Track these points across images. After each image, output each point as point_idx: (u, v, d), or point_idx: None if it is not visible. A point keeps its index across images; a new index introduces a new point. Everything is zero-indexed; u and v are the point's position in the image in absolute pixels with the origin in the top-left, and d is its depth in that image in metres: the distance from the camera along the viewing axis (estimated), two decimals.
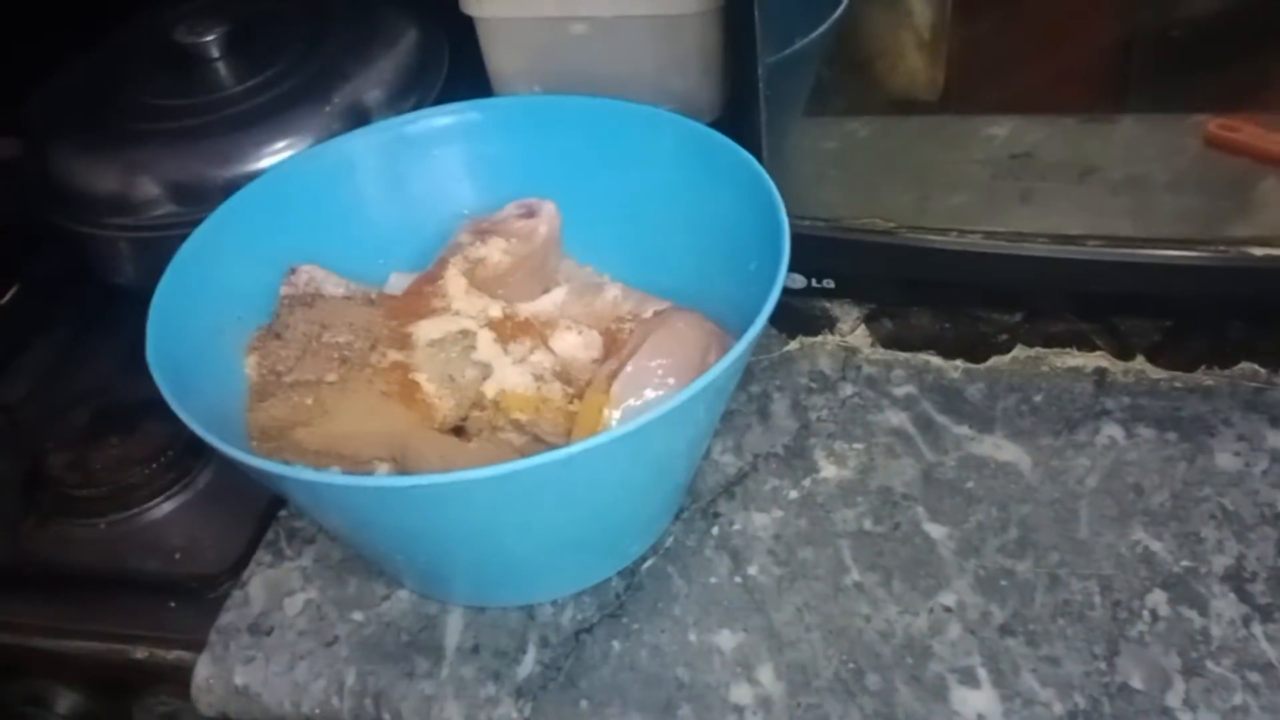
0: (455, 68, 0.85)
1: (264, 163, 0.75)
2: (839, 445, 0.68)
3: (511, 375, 0.62)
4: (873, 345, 0.73)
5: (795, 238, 0.58)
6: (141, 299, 0.59)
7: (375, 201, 0.70)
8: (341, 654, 0.61)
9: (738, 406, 0.70)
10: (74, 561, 0.70)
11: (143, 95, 0.80)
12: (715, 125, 0.66)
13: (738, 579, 0.62)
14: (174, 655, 0.65)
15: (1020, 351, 0.71)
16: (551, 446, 0.60)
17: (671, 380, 0.59)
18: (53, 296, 0.88)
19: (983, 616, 0.59)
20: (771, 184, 0.60)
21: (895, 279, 0.71)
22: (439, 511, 0.54)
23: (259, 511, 0.69)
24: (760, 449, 0.68)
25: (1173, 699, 0.55)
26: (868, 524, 0.64)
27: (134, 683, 0.68)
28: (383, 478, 0.57)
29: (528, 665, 0.60)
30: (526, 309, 0.66)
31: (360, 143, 0.69)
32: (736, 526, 0.65)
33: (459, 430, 0.63)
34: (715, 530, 0.64)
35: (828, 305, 0.74)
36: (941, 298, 0.72)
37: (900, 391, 0.70)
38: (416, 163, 0.70)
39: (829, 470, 0.67)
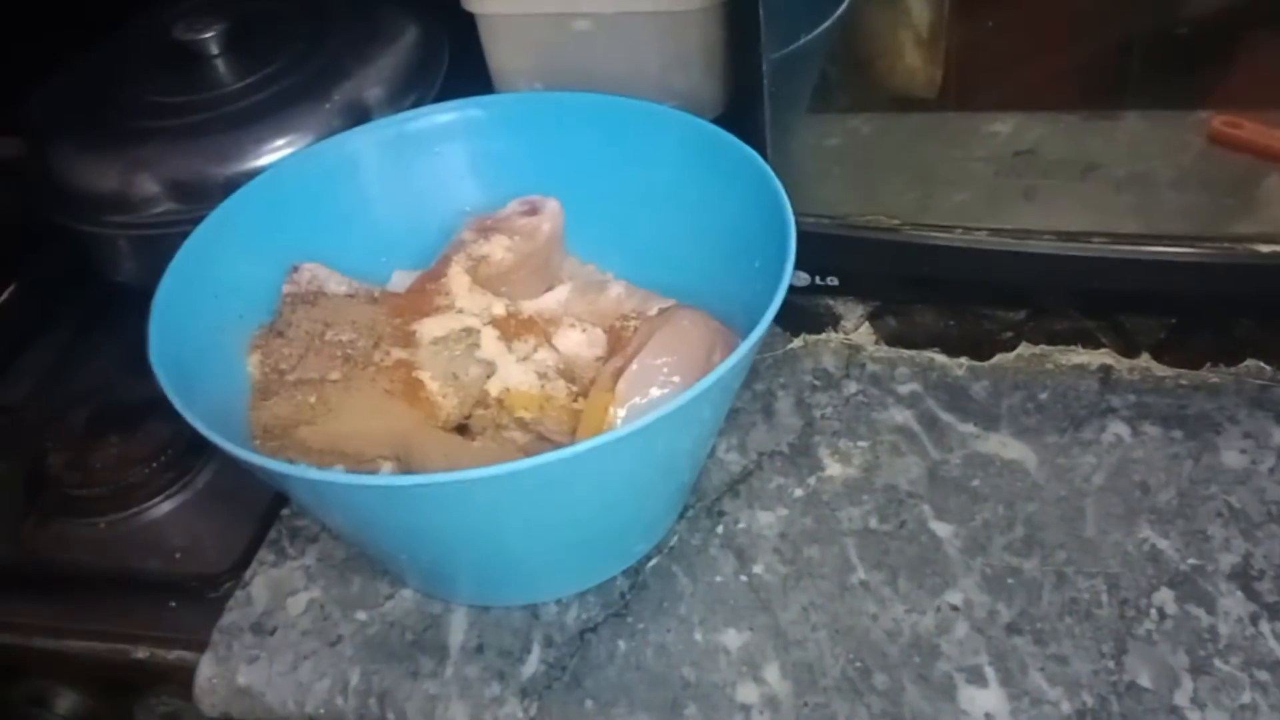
0: (456, 65, 0.85)
1: (264, 160, 0.75)
2: (844, 443, 0.68)
3: (515, 373, 0.62)
4: (877, 343, 0.73)
5: (799, 235, 0.58)
6: (142, 298, 0.59)
7: (377, 199, 0.69)
8: (345, 653, 0.61)
9: (742, 404, 0.70)
10: (74, 561, 0.70)
11: (142, 93, 0.80)
12: (717, 122, 0.66)
13: (743, 578, 0.62)
14: (175, 655, 0.65)
15: (1025, 349, 0.71)
16: (556, 445, 0.60)
17: (677, 378, 0.58)
18: (53, 296, 0.88)
19: (990, 615, 0.59)
20: (777, 181, 0.60)
21: (899, 276, 0.71)
22: (443, 510, 0.53)
23: (260, 511, 0.69)
24: (765, 447, 0.68)
25: (1181, 698, 0.55)
26: (873, 522, 0.64)
27: (135, 683, 0.68)
28: (387, 476, 0.57)
29: (532, 665, 0.60)
30: (530, 307, 0.66)
31: (362, 140, 0.69)
32: (741, 525, 0.64)
33: (462, 429, 0.62)
34: (720, 529, 0.64)
35: (831, 303, 0.74)
36: (946, 295, 0.72)
37: (905, 389, 0.70)
38: (419, 160, 0.69)
39: (834, 468, 0.66)
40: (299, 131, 0.76)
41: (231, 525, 0.69)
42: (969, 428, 0.67)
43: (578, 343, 0.64)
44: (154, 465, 0.72)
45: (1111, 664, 0.57)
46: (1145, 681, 0.56)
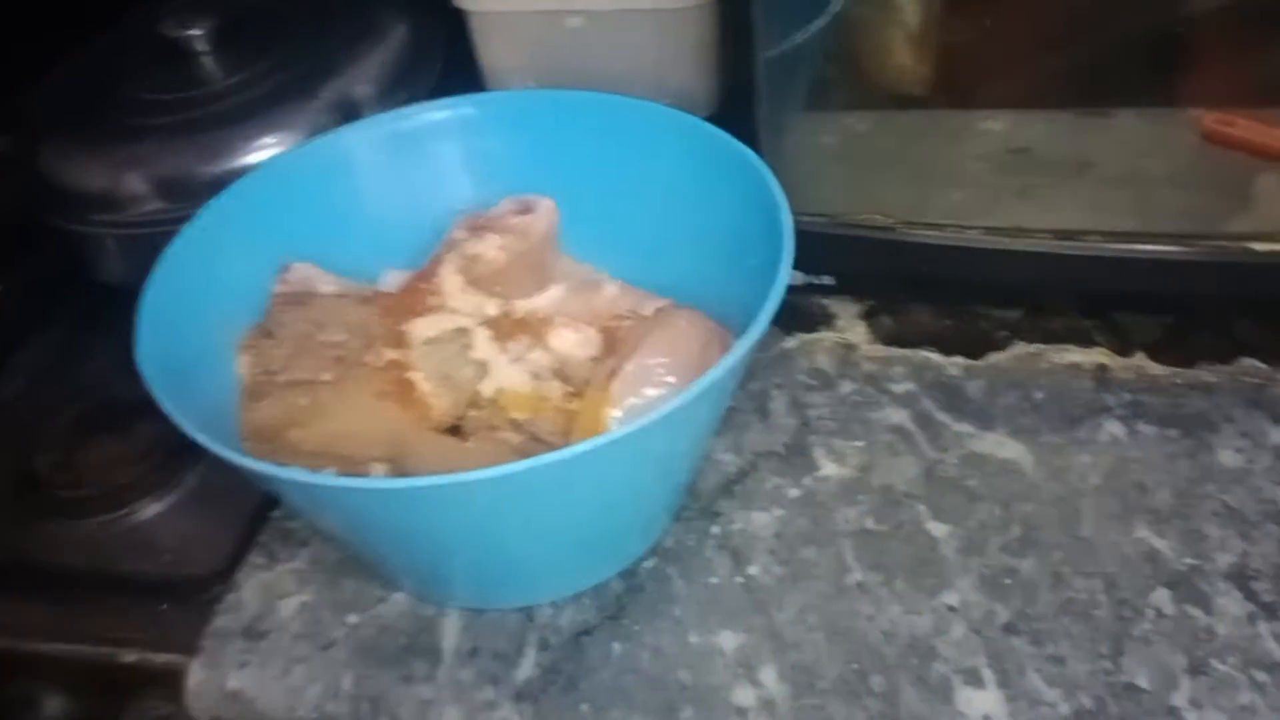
0: (448, 63, 0.84)
1: (253, 158, 0.74)
2: (839, 443, 0.67)
3: (509, 374, 0.62)
4: (872, 342, 0.73)
5: (794, 234, 0.57)
6: (131, 297, 0.58)
7: (369, 198, 0.69)
8: (338, 658, 0.60)
9: (736, 404, 0.69)
10: (63, 563, 0.69)
11: (131, 91, 0.79)
12: (711, 120, 0.65)
13: (739, 579, 0.62)
14: (164, 659, 0.64)
15: (1020, 348, 0.71)
16: (550, 446, 0.59)
17: (672, 379, 0.58)
18: (43, 296, 0.87)
19: (986, 616, 0.59)
20: (773, 180, 0.60)
21: (894, 275, 0.70)
22: (438, 513, 0.53)
23: (250, 513, 0.68)
24: (760, 447, 0.68)
25: (1179, 698, 0.55)
26: (869, 523, 0.63)
27: (124, 686, 0.67)
28: (381, 479, 0.57)
29: (527, 668, 0.59)
30: (523, 306, 0.65)
31: (354, 138, 0.68)
32: (737, 526, 0.64)
33: (455, 430, 0.62)
34: (716, 530, 0.64)
35: (826, 302, 0.74)
36: (941, 294, 0.72)
37: (900, 389, 0.70)
38: (411, 158, 0.69)
39: (829, 468, 0.66)
40: (289, 129, 0.76)
41: (222, 527, 0.68)
42: (965, 427, 0.67)
43: (572, 343, 0.64)
44: (144, 466, 0.72)
45: (1109, 664, 0.56)
46: (1143, 682, 0.56)
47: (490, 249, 0.65)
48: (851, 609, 0.60)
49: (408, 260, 0.68)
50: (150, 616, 0.65)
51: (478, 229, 0.66)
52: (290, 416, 0.60)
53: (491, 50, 0.78)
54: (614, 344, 0.64)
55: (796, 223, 0.58)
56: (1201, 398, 0.67)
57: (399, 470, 0.59)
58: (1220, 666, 0.56)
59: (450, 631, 0.61)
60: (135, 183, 0.75)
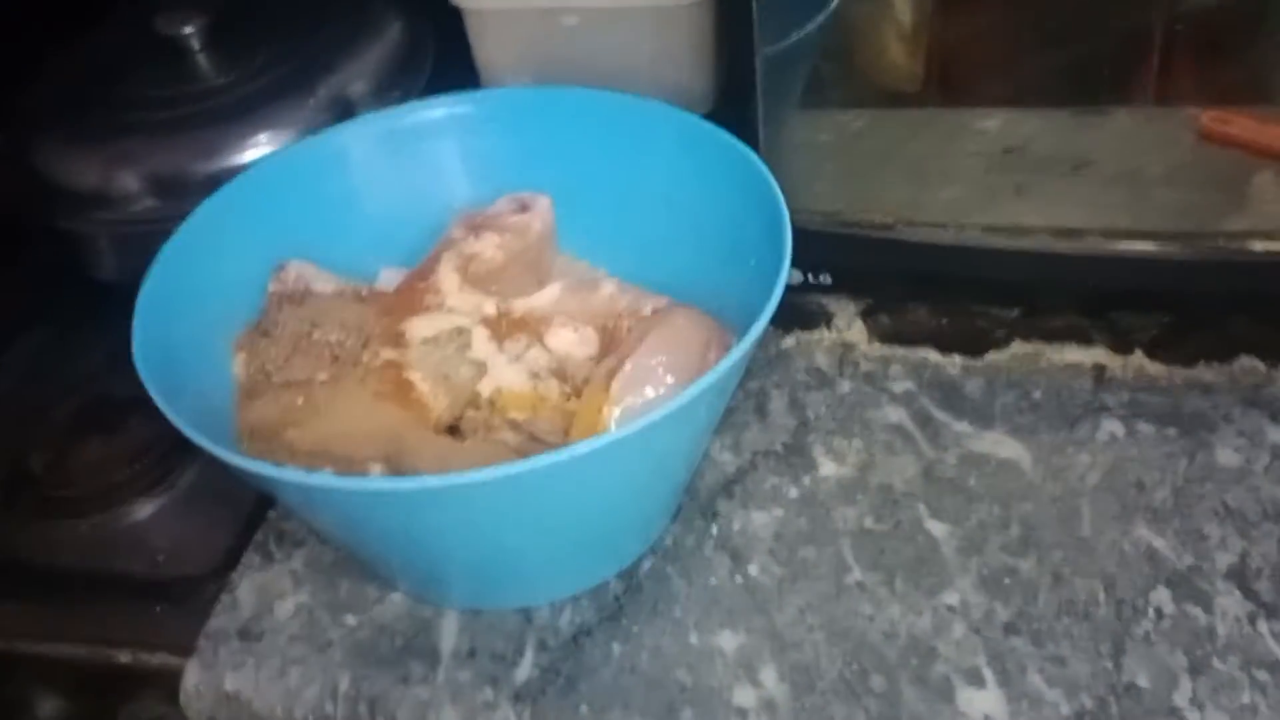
0: (441, 61, 0.84)
1: (247, 156, 0.74)
2: (838, 442, 0.67)
3: (507, 373, 0.61)
4: (870, 341, 0.72)
5: (792, 232, 0.57)
6: (123, 296, 0.58)
7: (366, 195, 0.68)
8: (335, 659, 0.60)
9: (735, 403, 0.69)
10: (55, 563, 0.68)
11: (124, 88, 0.79)
12: (708, 118, 0.65)
13: (738, 579, 0.61)
14: (159, 659, 0.64)
15: (1018, 347, 0.71)
16: (548, 446, 0.59)
17: (671, 378, 0.58)
18: (34, 294, 0.86)
19: (986, 616, 0.59)
20: (772, 178, 0.59)
21: (893, 274, 0.70)
22: (436, 513, 0.53)
23: (245, 513, 0.68)
24: (759, 446, 0.67)
25: (1180, 698, 0.55)
26: (869, 522, 0.63)
27: (118, 687, 0.66)
28: (380, 480, 0.56)
29: (526, 669, 0.59)
30: (521, 306, 0.65)
31: (351, 135, 0.68)
32: (736, 526, 0.64)
33: (453, 430, 0.62)
34: (715, 530, 0.64)
35: (824, 301, 0.73)
36: (939, 292, 0.71)
37: (898, 387, 0.70)
38: (408, 156, 0.68)
39: (828, 468, 0.66)
40: (283, 127, 0.75)
41: (216, 527, 0.68)
42: (963, 426, 0.67)
43: (570, 342, 0.63)
44: (137, 466, 0.71)
45: (1110, 664, 0.56)
46: (1144, 682, 0.55)
47: (488, 248, 0.65)
48: (851, 609, 0.60)
49: (404, 259, 0.68)
50: (144, 617, 0.65)
51: (475, 227, 0.66)
52: (287, 416, 0.59)
53: (487, 48, 0.78)
54: (612, 343, 0.63)
55: (795, 221, 0.57)
56: (1200, 397, 0.67)
57: (396, 470, 0.58)
58: (1221, 666, 0.56)
59: (448, 632, 0.61)
60: (129, 180, 0.74)
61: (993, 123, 0.71)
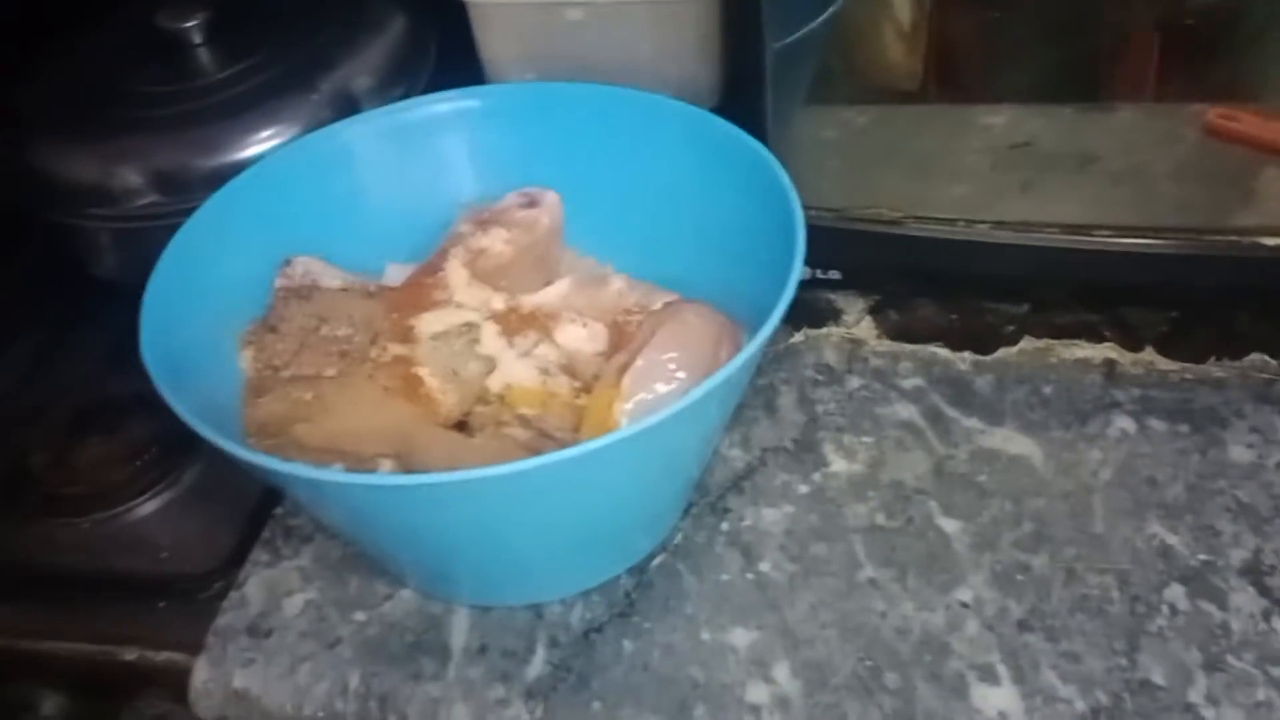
0: (444, 56, 0.83)
1: (250, 151, 0.73)
2: (848, 439, 0.67)
3: (517, 369, 0.61)
4: (879, 337, 0.72)
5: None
6: (123, 294, 0.57)
7: (372, 191, 0.68)
8: (344, 656, 0.60)
9: (744, 399, 0.69)
10: (58, 561, 0.68)
11: (126, 83, 0.78)
12: (714, 113, 0.64)
13: (750, 576, 0.61)
14: (164, 657, 0.63)
15: (1028, 343, 0.71)
16: (558, 442, 0.59)
17: (683, 374, 0.57)
18: (31, 291, 0.86)
19: (1000, 612, 0.58)
20: (784, 174, 0.59)
21: (901, 270, 0.70)
22: (446, 510, 0.52)
23: (247, 510, 0.68)
24: (768, 443, 0.67)
25: (1195, 695, 0.55)
26: (880, 519, 0.63)
27: (122, 685, 0.66)
28: (390, 476, 0.56)
29: (537, 666, 0.58)
30: (529, 301, 0.64)
31: (358, 130, 0.67)
32: (747, 522, 0.63)
33: (462, 425, 0.61)
34: (725, 526, 0.63)
35: (832, 297, 0.73)
36: (947, 289, 0.71)
37: (908, 384, 0.69)
38: (414, 151, 0.68)
39: (839, 464, 0.66)
40: (286, 122, 0.75)
41: (218, 524, 0.68)
42: (974, 422, 0.67)
43: (578, 338, 0.63)
44: (138, 464, 0.71)
45: (1124, 661, 0.56)
46: (1158, 679, 0.55)
47: (496, 243, 0.64)
48: (864, 605, 0.59)
49: (411, 254, 0.67)
50: (149, 615, 0.65)
51: (483, 223, 0.66)
52: (295, 412, 0.59)
53: (491, 43, 0.77)
54: (621, 339, 0.63)
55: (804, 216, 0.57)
56: (1211, 393, 0.67)
57: (406, 466, 0.58)
58: (1236, 663, 0.55)
59: (458, 629, 0.60)
60: (131, 176, 0.74)
61: (998, 119, 0.71)
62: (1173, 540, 0.60)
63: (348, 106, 0.77)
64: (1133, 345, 0.69)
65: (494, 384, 0.61)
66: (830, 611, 0.59)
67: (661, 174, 0.66)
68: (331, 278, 0.64)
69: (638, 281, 0.66)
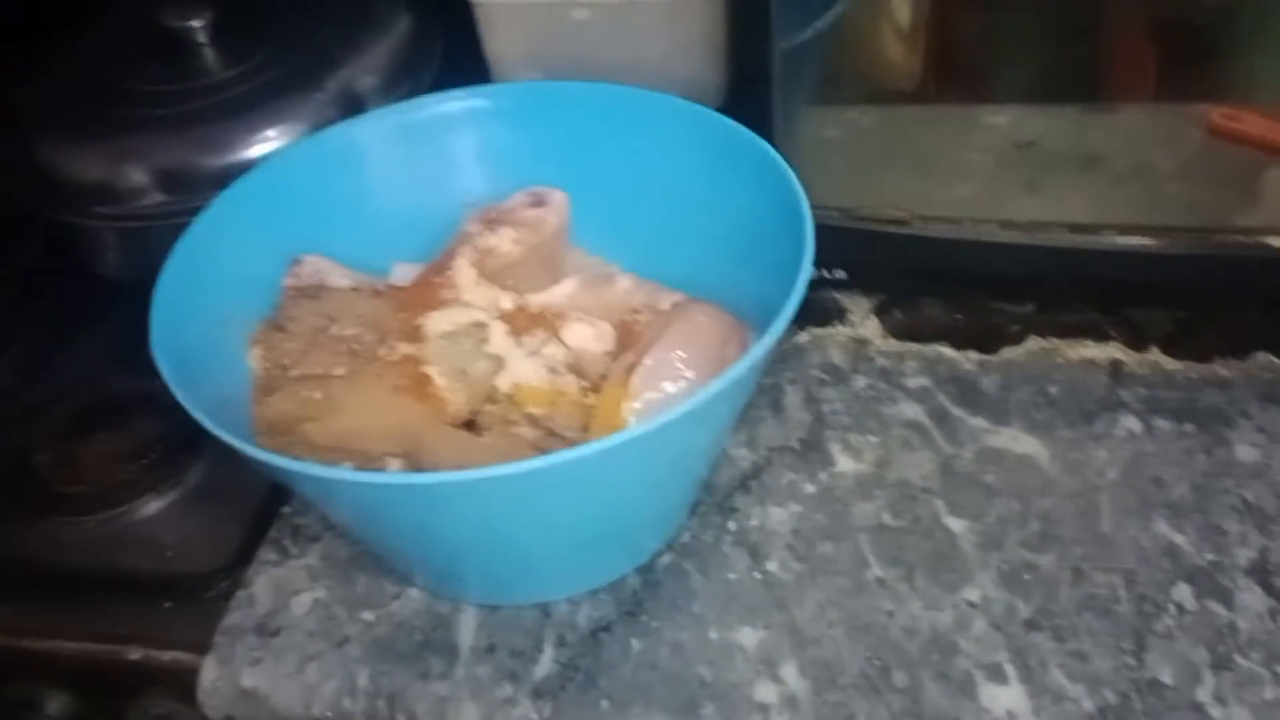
0: (449, 55, 0.83)
1: (255, 150, 0.73)
2: (854, 438, 0.67)
3: (525, 368, 0.61)
4: (884, 336, 0.72)
5: None
6: (127, 291, 0.57)
7: (380, 190, 0.68)
8: (352, 655, 0.60)
9: (750, 399, 0.69)
10: (63, 560, 0.68)
11: (131, 82, 0.78)
12: (720, 112, 0.64)
13: (757, 575, 0.61)
14: (169, 656, 0.63)
15: (1034, 343, 0.71)
16: (566, 441, 0.59)
17: (691, 373, 0.58)
18: (32, 290, 0.86)
19: (1008, 611, 0.58)
20: (792, 174, 0.59)
21: (908, 269, 0.70)
22: (455, 508, 0.52)
23: (252, 509, 0.67)
24: (774, 442, 0.67)
25: (1203, 694, 0.55)
26: (887, 518, 0.63)
27: (127, 685, 0.66)
28: (399, 474, 0.56)
29: (545, 665, 0.58)
30: (537, 301, 0.64)
31: (365, 129, 0.67)
32: (754, 521, 0.63)
33: (470, 424, 0.61)
34: (732, 525, 0.63)
35: (838, 296, 0.73)
36: (953, 288, 0.71)
37: (914, 383, 0.69)
38: (422, 150, 0.68)
39: (845, 463, 0.66)
40: (291, 121, 0.75)
41: (223, 523, 0.67)
42: (980, 422, 0.67)
43: (586, 337, 0.63)
44: (143, 462, 0.71)
45: (1132, 660, 0.56)
46: (1166, 678, 0.55)
47: (504, 242, 0.64)
48: (871, 605, 0.59)
49: (418, 254, 0.67)
50: (154, 614, 0.65)
51: (491, 222, 0.65)
52: (303, 411, 0.59)
53: (497, 42, 0.77)
54: (628, 338, 0.63)
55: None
56: (1217, 392, 0.67)
57: (414, 465, 0.58)
58: (1244, 662, 0.56)
59: (466, 628, 0.60)
60: (135, 175, 0.74)
61: (1002, 119, 0.71)
62: (1179, 540, 0.60)
63: (353, 106, 0.77)
64: (1138, 345, 0.69)
65: (502, 383, 0.61)
66: (838, 610, 0.59)
67: (668, 173, 0.66)
68: (340, 277, 0.64)
69: (644, 281, 0.66)
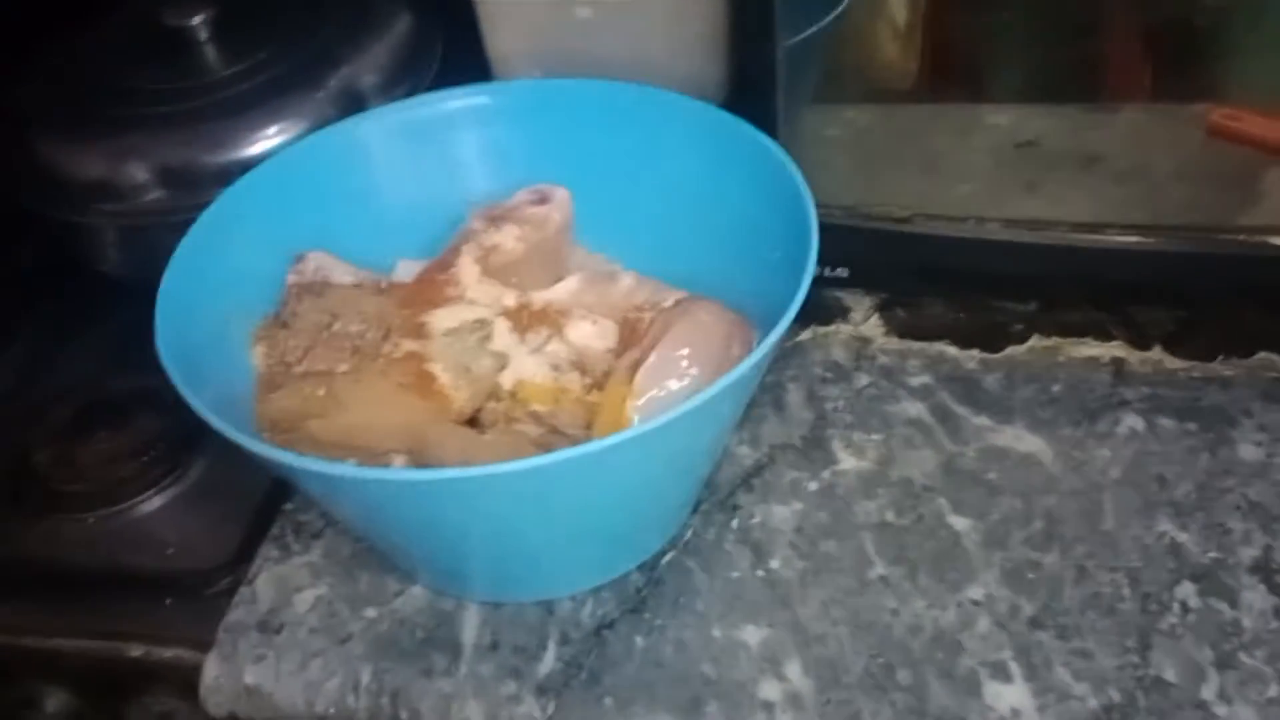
0: (449, 53, 0.83)
1: (256, 148, 0.73)
2: (857, 436, 0.67)
3: (529, 365, 0.61)
4: (886, 335, 0.72)
5: None
6: (126, 290, 0.57)
7: (384, 187, 0.68)
8: (356, 651, 0.59)
9: (752, 396, 0.69)
10: (63, 558, 0.68)
11: (131, 80, 0.78)
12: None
13: (760, 573, 0.61)
14: (171, 653, 0.63)
15: (1036, 341, 0.71)
16: (569, 438, 0.59)
17: (695, 371, 0.57)
18: (32, 288, 0.85)
19: (1012, 610, 0.58)
20: (796, 171, 0.59)
21: (910, 268, 0.70)
22: (459, 505, 0.52)
23: (253, 505, 0.67)
24: (777, 440, 0.67)
25: (1207, 692, 0.55)
26: (890, 516, 0.63)
27: (128, 682, 0.66)
28: (403, 471, 0.56)
29: (549, 662, 0.58)
30: (540, 298, 0.64)
31: (369, 126, 0.67)
32: (756, 519, 0.63)
33: (473, 422, 0.61)
34: (735, 523, 0.63)
35: (840, 294, 0.73)
36: (955, 287, 0.71)
37: (916, 381, 0.69)
38: (425, 148, 0.68)
39: (848, 462, 0.66)
40: (292, 119, 0.74)
41: (225, 521, 0.67)
42: (983, 420, 0.67)
43: (588, 334, 0.63)
44: (144, 460, 0.71)
45: (1136, 659, 0.56)
46: (1171, 676, 0.55)
47: (508, 239, 0.64)
48: (875, 603, 0.59)
49: (422, 250, 0.67)
50: (155, 611, 0.65)
51: (495, 219, 0.65)
52: (307, 407, 0.59)
53: (500, 40, 0.77)
54: (631, 336, 0.63)
55: None
56: (1219, 391, 0.67)
57: (418, 462, 0.58)
58: (1248, 660, 0.56)
59: (470, 625, 0.60)
60: (136, 172, 0.73)
61: (1003, 118, 0.71)
62: (1183, 538, 0.60)
63: (353, 103, 0.77)
64: (1141, 344, 0.69)
65: (506, 380, 0.61)
66: (841, 609, 0.59)
67: (671, 170, 0.66)
68: (343, 273, 0.64)
69: (647, 278, 0.66)
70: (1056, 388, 0.68)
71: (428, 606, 0.61)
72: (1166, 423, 0.66)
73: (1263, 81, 0.65)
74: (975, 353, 0.71)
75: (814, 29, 0.64)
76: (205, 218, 0.60)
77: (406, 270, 0.67)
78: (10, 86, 0.81)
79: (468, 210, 0.67)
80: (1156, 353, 0.69)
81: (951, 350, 0.71)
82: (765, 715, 0.56)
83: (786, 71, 0.65)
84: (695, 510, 0.64)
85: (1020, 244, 0.67)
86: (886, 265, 0.71)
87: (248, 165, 0.65)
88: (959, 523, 0.62)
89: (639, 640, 0.59)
